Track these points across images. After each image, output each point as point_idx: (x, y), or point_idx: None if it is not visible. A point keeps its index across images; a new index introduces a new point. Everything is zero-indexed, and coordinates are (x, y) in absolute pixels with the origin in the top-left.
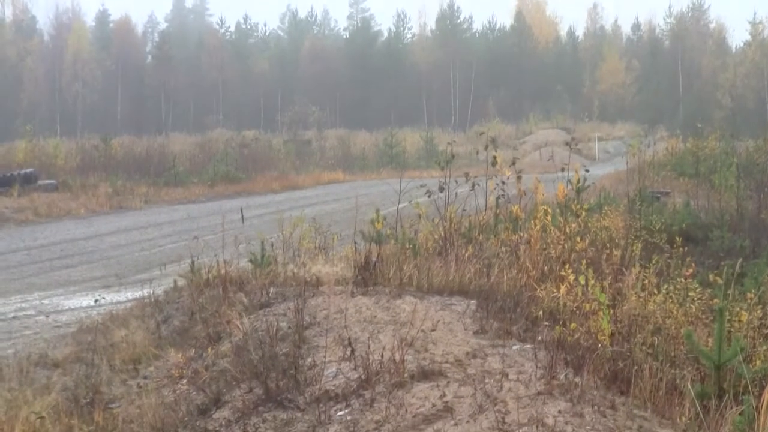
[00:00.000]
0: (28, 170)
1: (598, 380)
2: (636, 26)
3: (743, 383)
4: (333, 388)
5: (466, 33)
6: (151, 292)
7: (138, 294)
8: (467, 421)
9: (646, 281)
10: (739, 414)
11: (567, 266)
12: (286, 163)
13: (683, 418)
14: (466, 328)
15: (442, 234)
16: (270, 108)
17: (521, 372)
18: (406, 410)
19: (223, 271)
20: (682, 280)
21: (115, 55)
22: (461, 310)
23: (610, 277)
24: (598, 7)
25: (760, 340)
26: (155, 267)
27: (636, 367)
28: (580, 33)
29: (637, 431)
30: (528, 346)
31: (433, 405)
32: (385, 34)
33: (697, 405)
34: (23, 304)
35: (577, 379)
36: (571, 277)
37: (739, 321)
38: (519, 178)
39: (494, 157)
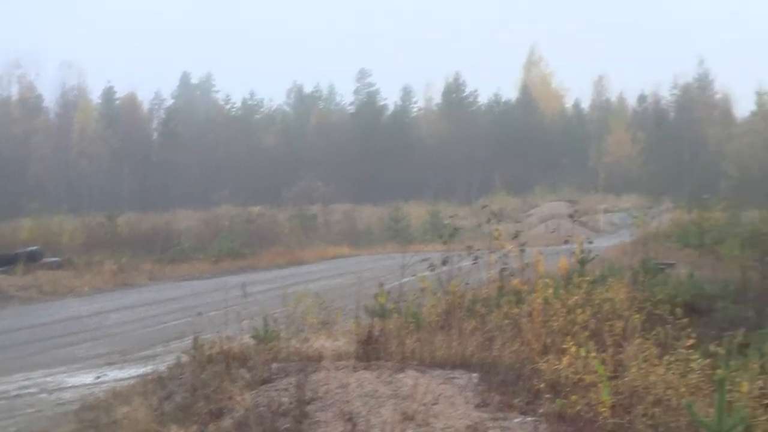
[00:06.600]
0: (33, 248)
1: None
2: (641, 98)
3: None
4: None
5: (471, 106)
6: (155, 368)
7: (141, 371)
8: None
9: (648, 352)
10: None
11: (569, 338)
12: (292, 238)
13: None
14: (467, 401)
15: (445, 307)
16: (277, 183)
17: None
18: None
19: (225, 347)
20: (684, 351)
21: (121, 132)
22: (463, 383)
23: (611, 349)
24: (604, 80)
25: (761, 411)
26: (159, 344)
27: None
28: (585, 105)
29: None
30: (529, 419)
31: None
32: (391, 108)
33: None
34: (26, 382)
35: None
36: (573, 350)
37: (740, 391)
38: (522, 251)
39: (495, 230)
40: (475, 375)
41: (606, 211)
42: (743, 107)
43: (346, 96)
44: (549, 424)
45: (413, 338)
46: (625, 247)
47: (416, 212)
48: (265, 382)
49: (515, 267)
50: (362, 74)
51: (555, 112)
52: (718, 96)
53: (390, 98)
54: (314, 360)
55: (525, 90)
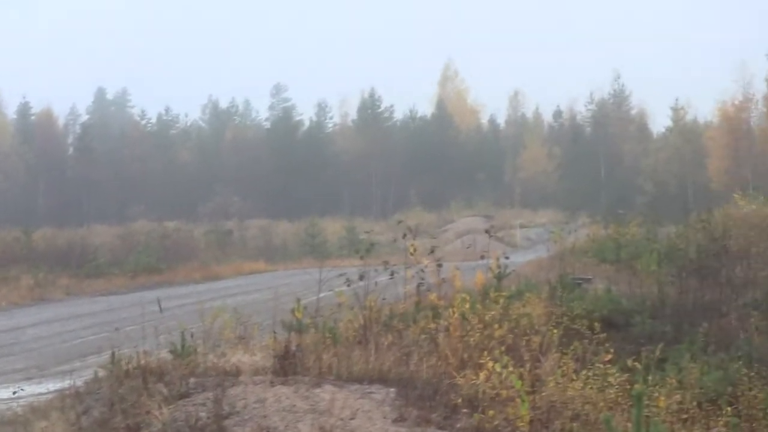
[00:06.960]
0: None
1: None
2: (557, 113)
3: None
4: None
5: (387, 122)
6: (72, 383)
7: (59, 386)
8: None
9: (565, 367)
10: None
11: (486, 353)
12: (208, 253)
13: None
14: (385, 416)
15: (362, 322)
16: (192, 198)
17: None
18: None
19: (143, 362)
20: (601, 365)
21: (36, 148)
22: (380, 398)
23: (529, 364)
24: (519, 95)
25: (679, 425)
26: (76, 359)
27: None
28: (501, 121)
29: None
30: None
31: None
32: (307, 123)
33: None
34: None
35: None
36: (490, 365)
37: (658, 406)
38: (439, 266)
39: (411, 246)
40: (392, 390)
41: (522, 226)
42: (659, 123)
43: (262, 111)
44: None
45: (330, 353)
46: (541, 263)
47: (332, 227)
48: (183, 396)
49: (432, 282)
50: (278, 89)
51: (471, 127)
52: (633, 111)
53: (306, 114)
54: (232, 375)
55: (440, 105)
